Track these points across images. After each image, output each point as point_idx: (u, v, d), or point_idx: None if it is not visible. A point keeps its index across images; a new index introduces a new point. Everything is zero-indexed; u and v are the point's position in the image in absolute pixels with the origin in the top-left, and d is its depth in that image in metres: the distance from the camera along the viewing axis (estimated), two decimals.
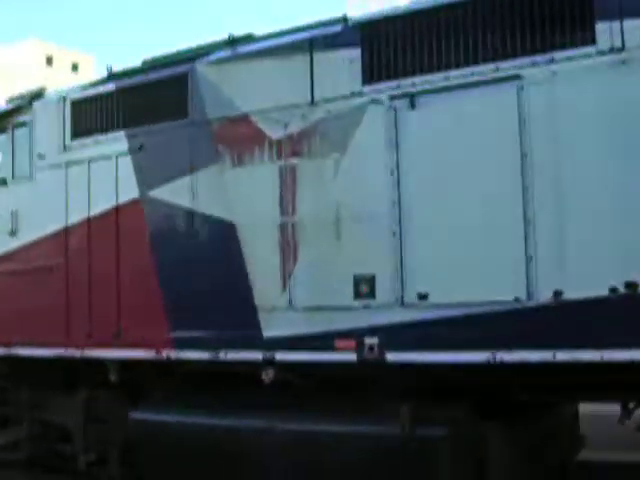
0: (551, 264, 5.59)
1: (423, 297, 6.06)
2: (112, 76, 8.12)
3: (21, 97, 8.90)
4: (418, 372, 6.19)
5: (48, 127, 8.53)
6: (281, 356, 6.74)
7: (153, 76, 7.73)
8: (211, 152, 7.23)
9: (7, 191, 8.91)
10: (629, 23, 5.41)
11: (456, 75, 6.06)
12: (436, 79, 6.14)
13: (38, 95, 8.77)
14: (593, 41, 5.53)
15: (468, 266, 5.90)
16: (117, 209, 7.87)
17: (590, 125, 5.50)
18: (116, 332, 7.80)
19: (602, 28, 5.48)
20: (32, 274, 8.54)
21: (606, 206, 5.41)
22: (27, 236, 8.63)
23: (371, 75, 6.44)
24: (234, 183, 7.07)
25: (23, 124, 8.81)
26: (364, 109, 6.42)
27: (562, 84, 5.64)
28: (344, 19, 6.67)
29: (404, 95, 6.26)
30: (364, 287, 6.33)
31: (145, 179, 7.66)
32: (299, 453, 6.66)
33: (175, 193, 7.42)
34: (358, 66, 6.48)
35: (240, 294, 6.97)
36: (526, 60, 5.79)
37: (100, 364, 8.23)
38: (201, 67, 7.36)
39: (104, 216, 7.98)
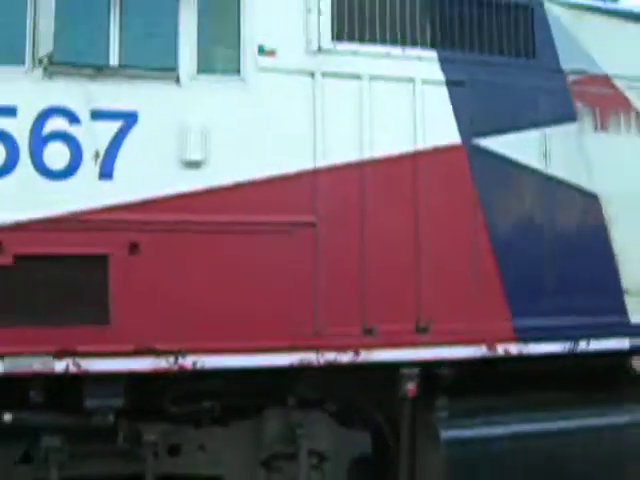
0: None
1: None
2: None
3: None
4: None
5: (280, 10, 5.47)
6: None
7: None
8: (567, 108, 6.13)
9: (185, 93, 5.21)
10: None
11: None
12: None
13: None
14: None
15: None
16: (419, 154, 5.70)
17: None
18: (420, 324, 5.62)
19: None
20: (238, 234, 5.27)
21: None
22: (229, 172, 5.25)
23: None
24: (596, 149, 6.18)
25: None
26: None
27: None
28: None
29: None
30: None
31: (471, 122, 5.84)
32: None
33: (518, 148, 5.95)
34: None
35: (603, 276, 6.13)
36: None
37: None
38: (551, 5, 6.16)
39: (393, 161, 5.66)
